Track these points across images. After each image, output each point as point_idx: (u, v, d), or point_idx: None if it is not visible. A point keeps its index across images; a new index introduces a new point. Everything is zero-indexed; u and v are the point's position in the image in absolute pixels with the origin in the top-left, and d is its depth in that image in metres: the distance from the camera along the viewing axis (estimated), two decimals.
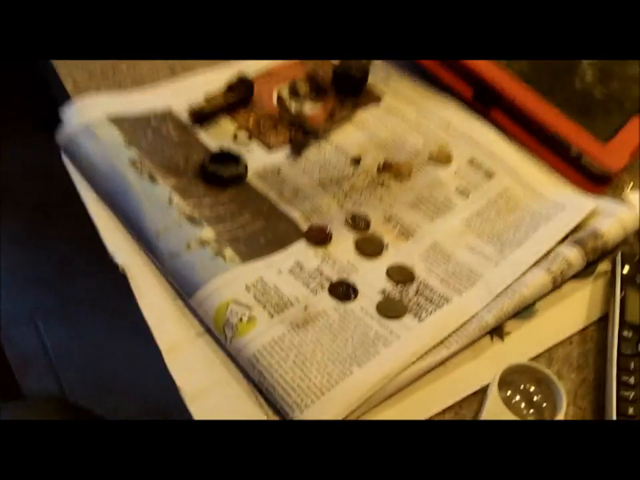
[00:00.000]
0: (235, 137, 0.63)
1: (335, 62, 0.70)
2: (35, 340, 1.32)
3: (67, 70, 0.67)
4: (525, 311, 0.52)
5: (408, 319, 0.49)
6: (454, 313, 0.50)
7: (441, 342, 0.48)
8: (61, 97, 0.65)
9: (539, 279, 0.52)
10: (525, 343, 0.50)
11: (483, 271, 0.53)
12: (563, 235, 0.56)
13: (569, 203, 0.59)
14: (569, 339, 0.51)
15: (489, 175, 0.62)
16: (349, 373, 0.45)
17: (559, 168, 0.64)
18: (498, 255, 0.55)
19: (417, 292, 0.52)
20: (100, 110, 0.61)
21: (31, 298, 1.39)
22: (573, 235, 0.56)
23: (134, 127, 0.61)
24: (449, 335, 0.48)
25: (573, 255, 0.54)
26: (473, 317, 0.50)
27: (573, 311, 0.53)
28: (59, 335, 1.34)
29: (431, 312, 0.50)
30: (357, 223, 0.56)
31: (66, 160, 0.59)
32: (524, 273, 0.53)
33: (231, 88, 0.65)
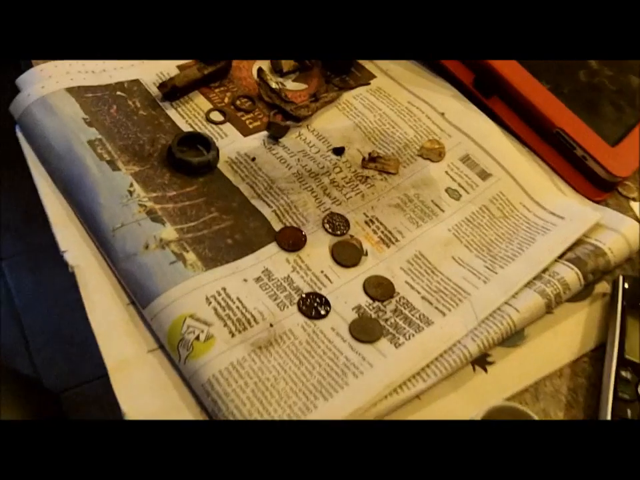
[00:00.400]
0: (208, 117, 0.57)
1: None
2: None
3: None
4: (512, 338, 0.48)
5: (383, 344, 0.45)
6: (434, 338, 0.45)
7: (418, 373, 0.43)
8: (25, 62, 0.58)
9: (532, 302, 0.48)
10: (510, 375, 0.46)
11: (470, 289, 0.49)
12: (561, 250, 0.51)
13: (570, 213, 0.54)
14: (558, 371, 0.47)
15: (484, 175, 0.57)
16: (313, 407, 0.40)
17: (560, 169, 0.59)
18: (487, 270, 0.50)
19: (395, 310, 0.47)
20: (60, 80, 0.54)
21: None
22: (571, 251, 0.52)
23: (96, 100, 0.54)
24: (427, 365, 0.44)
25: (570, 277, 0.49)
26: (455, 344, 0.45)
27: (566, 338, 0.49)
28: (24, 282, 1.30)
29: (409, 337, 0.45)
30: (335, 224, 0.51)
31: (20, 135, 0.52)
32: (515, 294, 0.48)
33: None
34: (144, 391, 0.41)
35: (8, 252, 1.34)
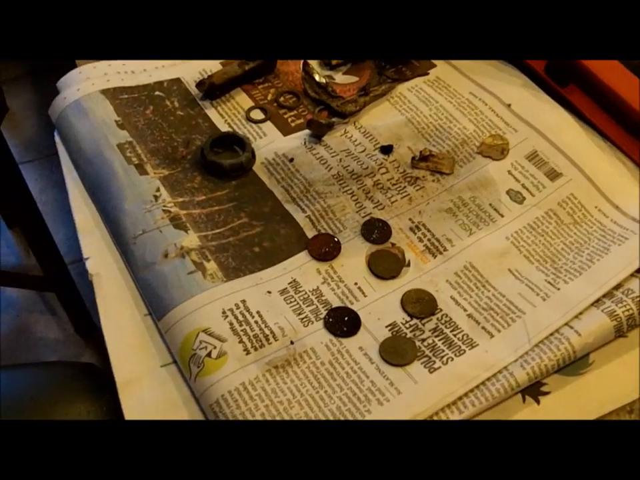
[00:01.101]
0: (248, 115, 0.54)
1: None
2: None
3: None
4: (574, 365, 0.41)
5: (415, 368, 0.40)
6: (476, 364, 0.40)
7: (453, 402, 0.38)
8: (68, 65, 0.58)
9: (598, 325, 0.41)
10: (568, 408, 0.40)
11: (525, 307, 0.43)
12: (638, 264, 0.44)
13: None
14: (628, 406, 0.40)
15: (554, 174, 0.50)
16: None
17: None
18: (549, 285, 0.44)
19: (434, 330, 0.42)
20: (96, 81, 0.53)
21: None
22: None
23: (131, 102, 0.53)
24: (464, 394, 0.38)
25: None
26: (500, 371, 0.39)
27: (637, 368, 0.42)
28: None
29: (447, 361, 0.40)
30: (373, 231, 0.47)
31: (57, 140, 0.52)
32: (579, 315, 0.42)
33: None
34: (152, 409, 0.39)
35: None
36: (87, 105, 0.51)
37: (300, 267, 0.44)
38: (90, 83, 0.53)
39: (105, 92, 0.52)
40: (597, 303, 0.42)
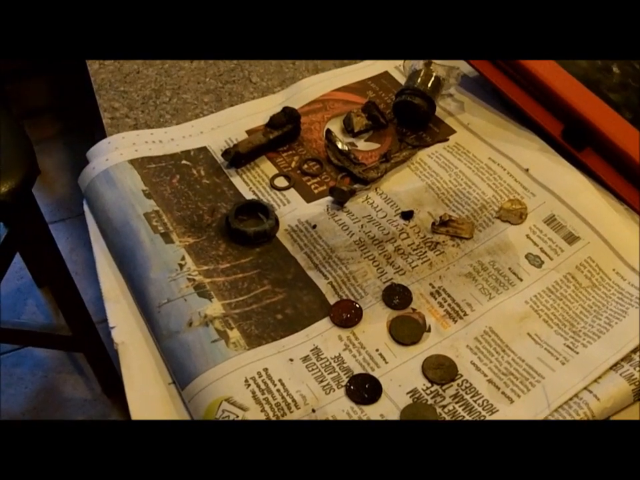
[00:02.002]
0: (272, 183, 0.56)
1: (399, 85, 0.60)
2: None
3: (107, 99, 0.63)
4: None
5: None
6: None
7: None
8: (98, 132, 0.61)
9: (616, 389, 0.41)
10: None
11: (544, 371, 0.43)
12: None
13: None
14: None
15: (571, 238, 0.51)
16: None
17: None
18: (568, 349, 0.44)
19: (455, 396, 0.42)
20: (124, 151, 0.56)
21: None
22: None
23: (158, 171, 0.55)
24: None
25: None
26: None
27: None
28: None
29: None
30: (394, 296, 0.47)
31: (85, 209, 0.54)
32: (597, 379, 0.42)
33: (273, 123, 0.58)
34: None
35: None
36: (115, 175, 0.54)
37: (322, 333, 0.45)
38: (118, 153, 0.55)
39: (132, 162, 0.55)
40: (615, 366, 0.42)
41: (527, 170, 0.55)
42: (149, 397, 0.43)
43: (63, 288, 0.99)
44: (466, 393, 0.42)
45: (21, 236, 1.16)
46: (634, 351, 0.43)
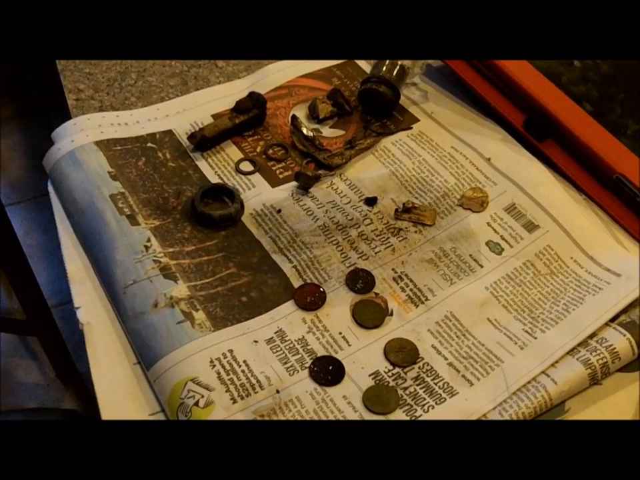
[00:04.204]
0: (238, 167, 0.56)
1: (364, 73, 0.61)
2: None
3: (72, 80, 0.62)
4: (550, 412, 0.42)
5: (397, 416, 0.41)
6: (456, 412, 0.41)
7: None
8: (56, 114, 0.60)
9: (573, 373, 0.42)
10: None
11: (504, 355, 0.44)
12: (613, 313, 0.45)
13: (628, 270, 0.48)
14: None
15: (531, 226, 0.52)
16: None
17: (621, 218, 0.54)
18: (526, 334, 0.45)
19: (416, 378, 0.43)
20: (90, 133, 0.55)
21: None
22: (626, 314, 0.46)
23: (124, 153, 0.54)
24: None
25: (621, 344, 0.43)
26: (479, 418, 0.41)
27: (615, 414, 0.43)
28: None
29: (428, 408, 0.41)
30: (358, 281, 0.48)
31: (50, 190, 0.53)
32: (555, 363, 0.43)
33: (239, 107, 0.58)
34: None
35: None
36: (80, 156, 0.53)
37: (286, 316, 0.46)
38: (84, 135, 0.54)
39: (98, 143, 0.54)
40: (572, 351, 0.44)
41: (489, 159, 0.56)
42: (114, 376, 0.42)
43: (18, 271, 0.97)
44: (427, 375, 0.43)
45: None
46: (590, 337, 0.44)
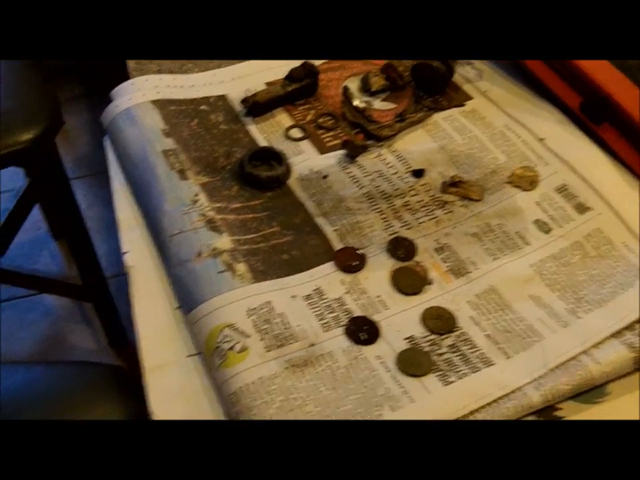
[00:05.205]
0: (288, 133, 0.56)
1: None
2: None
3: None
4: (590, 393, 0.41)
5: (430, 380, 0.40)
6: (491, 382, 0.40)
7: (463, 416, 0.39)
8: (123, 74, 0.62)
9: (617, 355, 0.41)
10: None
11: (544, 332, 0.43)
12: None
13: None
14: None
15: (582, 208, 0.51)
16: None
17: None
18: (569, 313, 0.44)
19: (452, 346, 0.43)
20: (147, 93, 0.57)
21: None
22: None
23: (178, 113, 0.56)
24: (476, 409, 0.39)
25: None
26: (514, 391, 0.40)
27: None
28: None
29: (462, 375, 0.41)
30: (399, 248, 0.48)
31: (106, 145, 0.55)
32: (598, 344, 0.42)
33: (292, 77, 0.58)
34: (175, 395, 0.41)
35: None
36: (136, 113, 0.55)
37: (325, 276, 0.46)
38: (141, 94, 0.56)
39: (154, 102, 0.56)
40: (617, 334, 0.43)
41: (542, 140, 0.55)
42: (155, 318, 0.44)
43: (79, 239, 1.01)
44: (463, 344, 0.43)
45: (42, 185, 1.18)
46: (637, 321, 0.43)
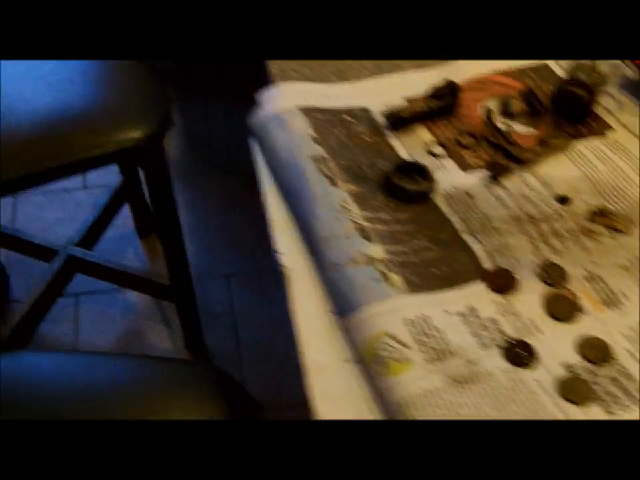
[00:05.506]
0: (429, 149, 0.56)
1: (558, 78, 0.60)
2: (224, 298, 1.30)
3: None
4: None
5: (594, 410, 0.39)
6: None
7: None
8: (264, 79, 0.63)
9: None
10: None
11: None
12: None
13: None
14: None
15: None
16: None
17: None
18: None
19: (609, 377, 0.41)
20: (295, 99, 0.57)
21: (227, 258, 1.38)
22: None
23: (325, 121, 0.56)
24: None
25: None
26: None
27: None
28: (245, 297, 1.31)
29: (625, 408, 0.40)
30: (551, 274, 0.47)
31: (253, 144, 0.56)
32: None
33: (435, 93, 0.58)
34: (338, 397, 0.41)
35: (236, 269, 1.36)
36: (285, 118, 0.55)
37: (476, 294, 0.46)
38: (289, 100, 0.57)
39: (302, 109, 0.57)
40: None
41: None
42: (312, 320, 0.44)
43: (173, 239, 1.02)
44: (622, 376, 0.42)
45: (135, 184, 1.21)
46: None
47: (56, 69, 0.96)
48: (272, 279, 1.34)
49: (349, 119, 0.58)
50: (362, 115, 0.58)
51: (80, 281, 1.22)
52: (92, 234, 1.20)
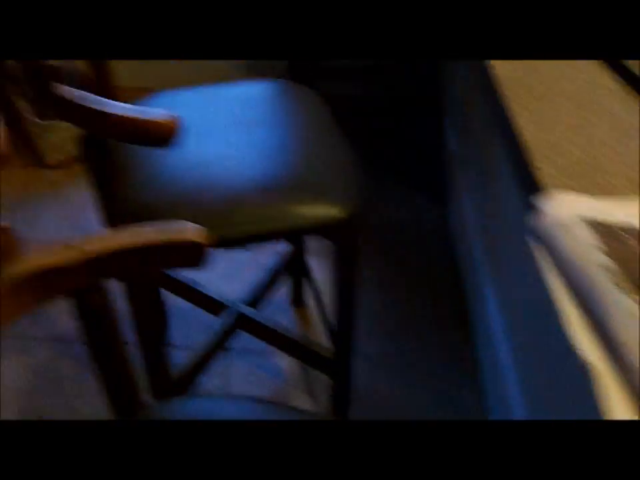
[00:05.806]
0: None
1: None
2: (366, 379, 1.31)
3: (542, 162, 0.71)
4: None
5: None
6: None
7: None
8: (530, 185, 0.68)
9: None
10: None
11: None
12: None
13: None
14: None
15: None
16: None
17: None
18: None
19: None
20: (574, 208, 0.63)
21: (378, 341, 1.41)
22: None
23: (605, 234, 0.61)
24: None
25: None
26: None
27: None
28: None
29: None
30: None
31: (533, 245, 0.61)
32: None
33: None
34: None
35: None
36: (568, 225, 0.61)
37: None
38: (570, 209, 0.62)
39: (583, 219, 0.62)
40: None
41: None
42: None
43: (346, 312, 1.07)
44: None
45: (338, 257, 1.26)
46: None
47: (268, 138, 1.04)
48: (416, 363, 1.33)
49: (623, 233, 0.62)
50: (632, 231, 0.63)
51: (235, 338, 1.28)
52: (257, 295, 1.26)
